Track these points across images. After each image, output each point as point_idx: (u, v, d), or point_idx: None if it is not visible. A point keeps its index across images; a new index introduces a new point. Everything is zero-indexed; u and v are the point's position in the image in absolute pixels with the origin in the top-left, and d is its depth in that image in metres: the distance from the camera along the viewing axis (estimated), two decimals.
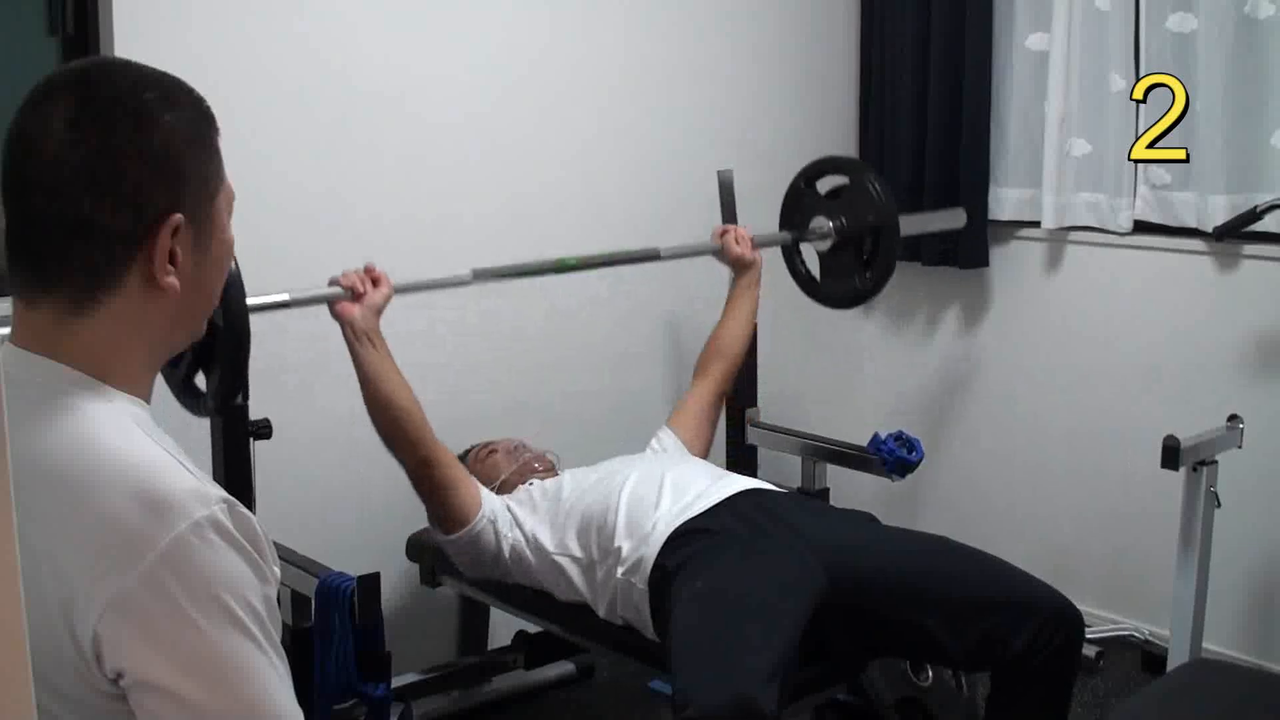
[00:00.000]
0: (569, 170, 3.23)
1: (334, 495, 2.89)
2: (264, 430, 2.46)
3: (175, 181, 1.11)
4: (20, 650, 0.72)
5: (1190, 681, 2.22)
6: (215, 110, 1.18)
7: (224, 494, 1.05)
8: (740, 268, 2.99)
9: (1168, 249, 3.26)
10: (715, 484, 2.55)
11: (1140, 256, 3.31)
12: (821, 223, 3.08)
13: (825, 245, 3.09)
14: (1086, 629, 2.38)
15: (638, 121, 3.33)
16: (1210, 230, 3.07)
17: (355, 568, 2.21)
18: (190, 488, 1.04)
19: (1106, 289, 3.40)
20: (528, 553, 2.55)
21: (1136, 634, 3.34)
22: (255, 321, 2.40)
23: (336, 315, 2.41)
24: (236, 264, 2.04)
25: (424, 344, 2.95)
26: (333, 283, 2.41)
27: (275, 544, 1.10)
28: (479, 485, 2.62)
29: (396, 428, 2.46)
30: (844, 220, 3.05)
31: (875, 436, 2.91)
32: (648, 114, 3.35)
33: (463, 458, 2.86)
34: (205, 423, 2.45)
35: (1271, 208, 2.91)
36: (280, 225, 2.73)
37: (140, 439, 1.08)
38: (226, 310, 2.03)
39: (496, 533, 2.55)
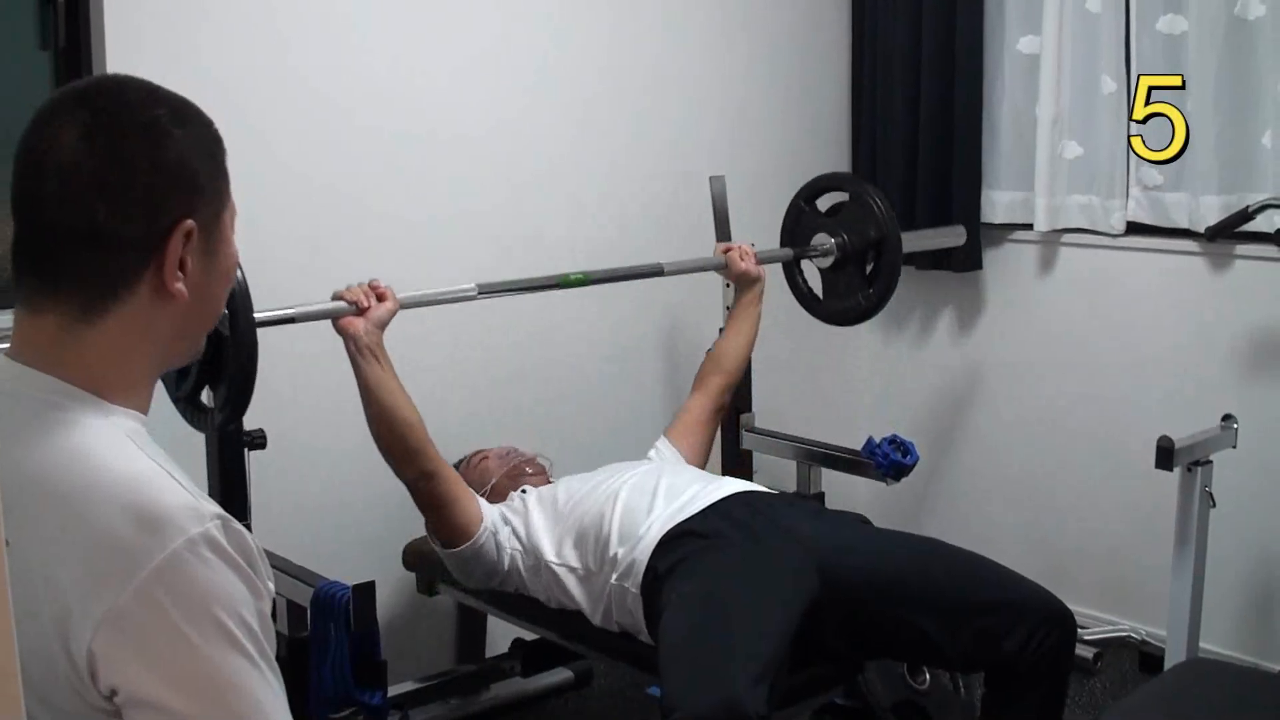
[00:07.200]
0: (566, 179, 3.23)
1: (330, 504, 2.89)
2: (259, 440, 2.46)
3: (188, 189, 1.12)
4: (11, 665, 0.72)
5: (1187, 681, 2.22)
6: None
7: (218, 510, 1.05)
8: (744, 284, 2.98)
9: (1160, 250, 3.27)
10: (707, 487, 2.55)
11: (1133, 258, 3.32)
12: (823, 239, 3.07)
13: (827, 262, 3.09)
14: (1084, 630, 2.39)
15: (632, 131, 3.33)
16: (1203, 231, 3.07)
17: (351, 577, 2.21)
18: (185, 504, 1.04)
19: (1100, 291, 3.40)
20: (527, 563, 2.55)
21: (1133, 634, 3.35)
22: None
23: (340, 330, 2.40)
24: (244, 278, 2.05)
25: (418, 349, 2.95)
26: (336, 297, 2.40)
27: (270, 553, 1.10)
28: (480, 499, 2.61)
29: (399, 442, 2.44)
30: (845, 236, 3.05)
31: (870, 440, 2.91)
32: (641, 123, 3.35)
33: (456, 468, 2.87)
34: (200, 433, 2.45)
35: (1263, 208, 2.92)
36: (280, 235, 2.73)
37: (135, 454, 1.08)
38: (234, 324, 2.03)
39: (498, 544, 2.55)
